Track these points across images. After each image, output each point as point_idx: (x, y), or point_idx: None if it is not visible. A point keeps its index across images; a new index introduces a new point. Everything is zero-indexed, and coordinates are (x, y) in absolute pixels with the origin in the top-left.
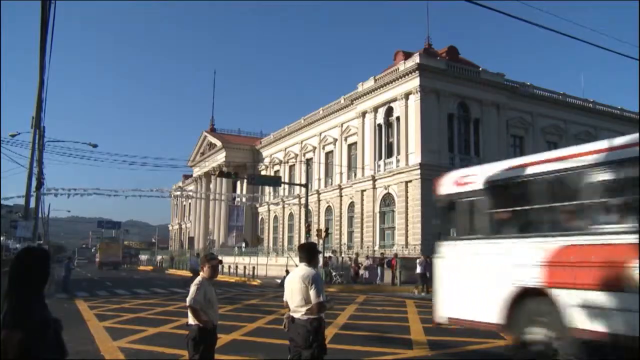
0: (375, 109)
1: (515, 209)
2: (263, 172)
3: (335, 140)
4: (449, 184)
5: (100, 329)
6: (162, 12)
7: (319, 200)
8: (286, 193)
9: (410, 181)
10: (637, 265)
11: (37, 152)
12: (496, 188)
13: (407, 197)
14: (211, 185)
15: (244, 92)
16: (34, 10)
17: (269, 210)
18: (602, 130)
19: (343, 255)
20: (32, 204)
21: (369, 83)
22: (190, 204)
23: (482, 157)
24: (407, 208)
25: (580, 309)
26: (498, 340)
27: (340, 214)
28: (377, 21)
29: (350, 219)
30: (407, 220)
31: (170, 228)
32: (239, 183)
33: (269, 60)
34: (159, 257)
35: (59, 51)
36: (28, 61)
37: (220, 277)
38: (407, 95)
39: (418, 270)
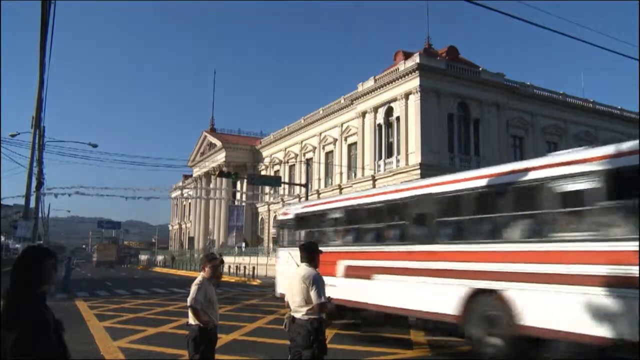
0: (375, 109)
1: (305, 230)
2: (263, 172)
3: (335, 140)
4: (280, 214)
5: (100, 328)
6: (161, 12)
7: None
8: (286, 193)
9: (410, 181)
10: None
11: (37, 152)
12: (297, 219)
13: None
14: (211, 185)
15: (244, 92)
16: (34, 10)
17: (269, 210)
18: (602, 130)
19: None
20: (32, 204)
21: (369, 83)
22: (190, 204)
23: (482, 157)
24: None
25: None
26: None
27: None
28: (377, 21)
29: None
30: None
31: (170, 228)
32: (239, 183)
33: (269, 60)
34: (159, 257)
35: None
36: (28, 61)
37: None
38: (407, 95)
39: None
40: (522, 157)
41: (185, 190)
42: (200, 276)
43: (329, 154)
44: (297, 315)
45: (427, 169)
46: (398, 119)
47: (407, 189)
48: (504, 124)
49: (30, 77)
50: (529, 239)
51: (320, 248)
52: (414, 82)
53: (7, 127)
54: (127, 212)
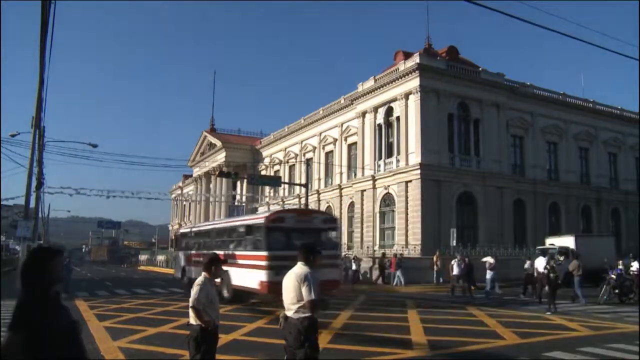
0: (375, 109)
1: (188, 240)
2: (263, 172)
3: (335, 140)
4: (178, 231)
5: (100, 328)
6: (161, 12)
7: (319, 200)
8: (286, 193)
9: (410, 181)
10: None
11: (37, 152)
12: (185, 233)
13: (407, 197)
14: (211, 185)
15: (244, 92)
16: (34, 10)
17: (269, 210)
18: (602, 130)
19: (343, 255)
20: (32, 204)
21: (369, 83)
22: (190, 204)
23: (482, 157)
24: (407, 208)
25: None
26: (498, 340)
27: (340, 214)
28: (377, 21)
29: (350, 219)
30: (407, 220)
31: (170, 228)
32: (239, 183)
33: (269, 60)
34: (159, 257)
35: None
36: (28, 61)
37: None
38: (407, 95)
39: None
40: (522, 157)
41: (185, 190)
42: (202, 276)
43: (329, 154)
44: (289, 314)
45: (427, 169)
46: (398, 119)
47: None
48: (504, 124)
49: (30, 77)
50: (240, 249)
51: (193, 251)
52: (414, 82)
53: (7, 127)
54: (127, 212)
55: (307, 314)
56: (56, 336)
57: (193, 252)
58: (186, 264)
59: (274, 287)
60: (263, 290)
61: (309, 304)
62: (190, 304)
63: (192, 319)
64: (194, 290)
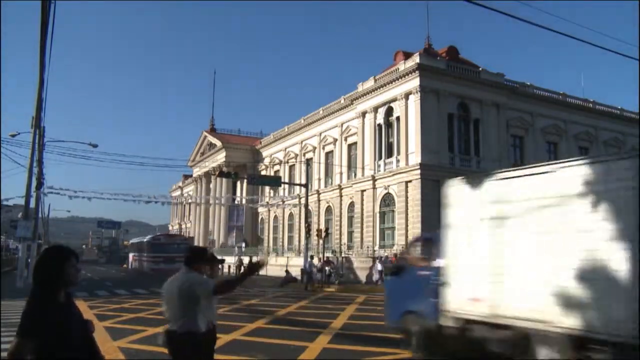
0: (375, 109)
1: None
2: (263, 172)
3: (335, 140)
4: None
5: (100, 328)
6: (161, 11)
7: (319, 200)
8: (286, 193)
9: (410, 181)
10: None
11: (37, 152)
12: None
13: (407, 197)
14: (211, 185)
15: (244, 92)
16: (34, 10)
17: (269, 210)
18: (602, 130)
19: (343, 255)
20: (32, 204)
21: (369, 83)
22: (190, 204)
23: (482, 157)
24: (407, 208)
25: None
26: None
27: (340, 214)
28: (377, 21)
29: (350, 219)
30: (407, 220)
31: (170, 228)
32: (239, 183)
33: (269, 60)
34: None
35: (59, 51)
36: (28, 61)
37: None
38: (407, 95)
39: None
40: (522, 157)
41: (185, 190)
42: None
43: (329, 154)
44: (173, 328)
45: (427, 169)
46: (398, 119)
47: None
48: (504, 124)
49: (30, 77)
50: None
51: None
52: (414, 82)
53: (7, 127)
54: (127, 212)
55: (190, 329)
56: (68, 338)
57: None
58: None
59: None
60: None
61: (217, 292)
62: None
63: None
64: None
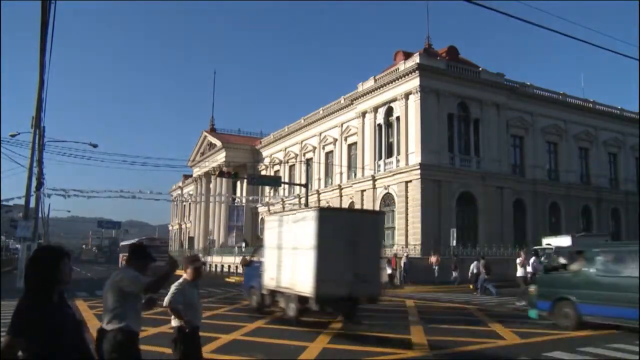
0: (375, 109)
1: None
2: (263, 172)
3: (335, 140)
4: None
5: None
6: (161, 11)
7: (319, 200)
8: (286, 193)
9: (410, 181)
10: None
11: (37, 152)
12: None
13: (407, 197)
14: (211, 185)
15: (244, 92)
16: (34, 10)
17: (269, 210)
18: (602, 130)
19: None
20: (32, 204)
21: (369, 83)
22: (190, 204)
23: (481, 157)
24: (407, 208)
25: None
26: (498, 340)
27: None
28: (377, 21)
29: None
30: (407, 220)
31: (170, 228)
32: (239, 183)
33: (269, 60)
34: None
35: (59, 51)
36: (28, 61)
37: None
38: (407, 95)
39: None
40: (522, 157)
41: (185, 190)
42: (181, 278)
43: (329, 154)
44: (104, 325)
45: (427, 169)
46: (398, 119)
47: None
48: (504, 124)
49: (30, 77)
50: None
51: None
52: (414, 82)
53: (7, 127)
54: (127, 212)
55: (119, 325)
56: (60, 338)
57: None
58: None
59: None
60: None
61: (146, 289)
62: (165, 304)
63: (174, 321)
64: (170, 290)
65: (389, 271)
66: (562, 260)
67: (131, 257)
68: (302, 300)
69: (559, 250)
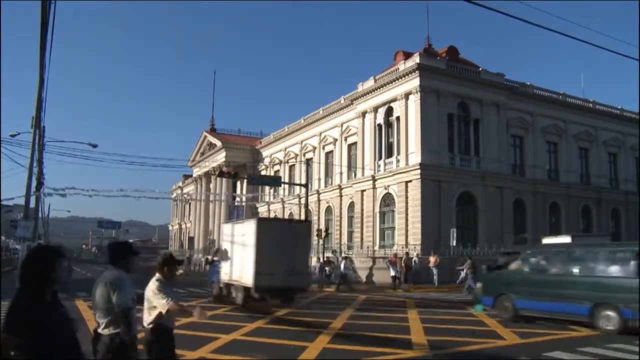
0: (375, 109)
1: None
2: (263, 172)
3: (335, 140)
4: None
5: None
6: (161, 11)
7: (319, 200)
8: (286, 193)
9: (410, 181)
10: None
11: (37, 152)
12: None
13: (407, 197)
14: (211, 185)
15: (244, 92)
16: (34, 10)
17: (269, 210)
18: (602, 130)
19: (343, 255)
20: (32, 204)
21: (369, 83)
22: (190, 204)
23: (481, 157)
24: (407, 208)
25: None
26: (498, 340)
27: (340, 214)
28: (377, 21)
29: (350, 219)
30: (407, 220)
31: (170, 228)
32: (239, 183)
33: (269, 60)
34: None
35: (59, 51)
36: (28, 61)
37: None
38: (407, 95)
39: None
40: (522, 157)
41: (185, 190)
42: (156, 278)
43: (329, 154)
44: (99, 329)
45: (427, 169)
46: (398, 119)
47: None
48: (504, 124)
49: (30, 77)
50: None
51: None
52: (414, 82)
53: (7, 127)
54: (127, 212)
55: (116, 330)
56: (52, 337)
57: None
58: None
59: None
60: None
61: (121, 314)
62: (167, 308)
63: (145, 322)
64: (158, 297)
65: (392, 273)
66: (504, 260)
67: (114, 257)
68: (246, 290)
69: (503, 252)
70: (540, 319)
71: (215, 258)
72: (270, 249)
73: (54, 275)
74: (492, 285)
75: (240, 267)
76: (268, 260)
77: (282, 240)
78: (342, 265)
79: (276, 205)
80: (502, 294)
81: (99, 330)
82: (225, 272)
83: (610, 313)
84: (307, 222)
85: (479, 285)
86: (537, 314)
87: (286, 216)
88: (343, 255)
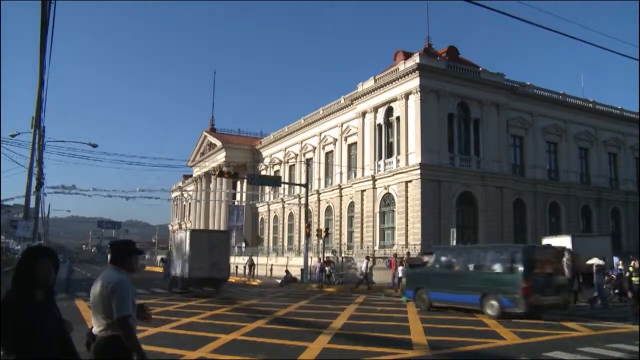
0: (375, 109)
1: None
2: (263, 172)
3: (335, 140)
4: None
5: None
6: (161, 11)
7: (319, 200)
8: (286, 193)
9: (410, 181)
10: None
11: (37, 152)
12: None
13: (407, 197)
14: (211, 186)
15: (244, 92)
16: (34, 10)
17: (269, 210)
18: (602, 130)
19: (343, 255)
20: (32, 204)
21: (369, 83)
22: (190, 204)
23: (481, 157)
24: (407, 208)
25: None
26: (498, 340)
27: (340, 214)
28: (377, 21)
29: (350, 219)
30: (407, 220)
31: (170, 228)
32: (239, 183)
33: (269, 60)
34: (159, 257)
35: (59, 51)
36: (28, 61)
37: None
38: (407, 95)
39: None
40: (522, 157)
41: (185, 190)
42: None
43: (329, 154)
44: (96, 331)
45: (427, 169)
46: (398, 119)
47: None
48: (504, 124)
49: (30, 77)
50: None
51: None
52: (414, 82)
53: (7, 127)
54: (127, 212)
55: (115, 333)
56: (36, 337)
57: None
58: None
59: None
60: None
61: (118, 322)
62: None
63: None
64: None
65: (399, 274)
66: (426, 258)
67: (117, 256)
68: (184, 280)
69: (425, 252)
70: (449, 308)
71: (169, 257)
72: (200, 250)
73: (37, 275)
74: (413, 280)
75: (181, 264)
76: (198, 258)
77: (208, 245)
78: (363, 266)
79: (276, 205)
80: (420, 287)
81: (94, 332)
82: (173, 268)
83: (494, 302)
84: (226, 232)
85: (403, 280)
86: (445, 304)
87: (286, 216)
88: (365, 255)
